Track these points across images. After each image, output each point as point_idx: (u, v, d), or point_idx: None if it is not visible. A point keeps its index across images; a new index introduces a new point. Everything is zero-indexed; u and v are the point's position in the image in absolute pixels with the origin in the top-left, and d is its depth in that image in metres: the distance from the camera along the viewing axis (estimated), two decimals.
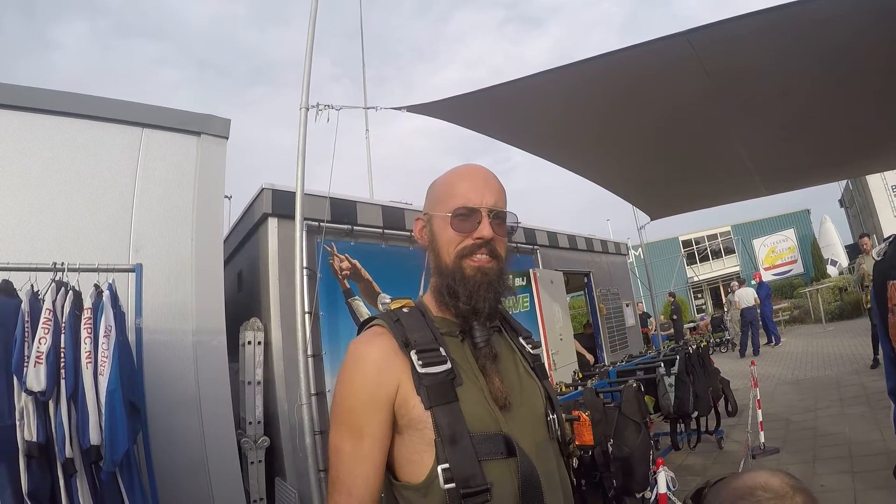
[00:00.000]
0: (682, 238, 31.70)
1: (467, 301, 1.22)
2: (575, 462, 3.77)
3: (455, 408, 1.13)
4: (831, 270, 23.52)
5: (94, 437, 2.60)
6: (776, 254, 27.87)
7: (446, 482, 1.07)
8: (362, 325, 1.32)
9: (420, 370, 1.14)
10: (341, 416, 1.19)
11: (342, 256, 5.08)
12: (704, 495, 1.01)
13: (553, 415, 1.32)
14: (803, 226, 28.62)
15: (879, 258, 2.01)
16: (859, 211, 24.95)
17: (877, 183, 20.42)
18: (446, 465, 1.08)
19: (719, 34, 3.70)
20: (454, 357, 1.20)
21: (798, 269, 26.70)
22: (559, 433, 1.33)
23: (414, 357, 1.15)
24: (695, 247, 31.75)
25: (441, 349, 1.18)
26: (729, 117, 5.04)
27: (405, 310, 1.28)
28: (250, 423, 4.35)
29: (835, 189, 27.14)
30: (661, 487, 3.44)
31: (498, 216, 1.27)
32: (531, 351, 1.42)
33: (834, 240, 24.71)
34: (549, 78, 4.26)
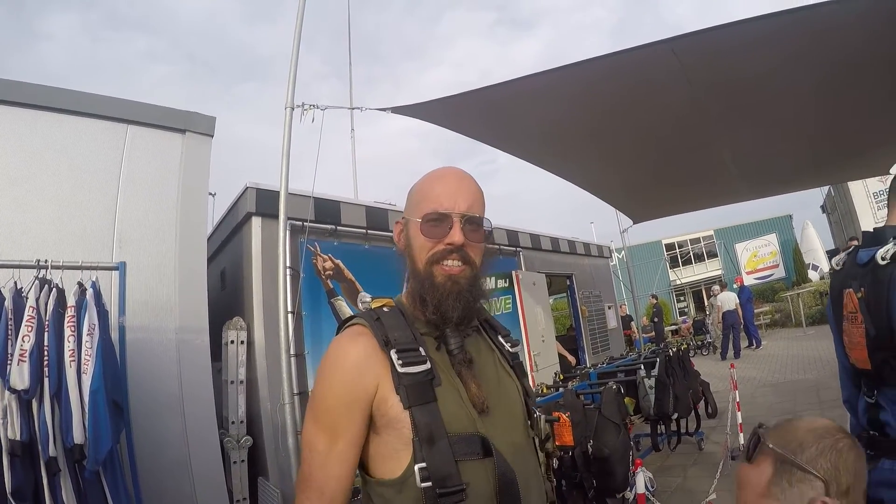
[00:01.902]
0: (665, 241, 31.94)
1: (435, 310, 1.22)
2: (555, 462, 3.82)
3: (433, 408, 1.14)
4: (812, 275, 23.79)
5: (78, 436, 2.60)
6: (758, 258, 28.19)
7: (423, 481, 1.08)
8: (343, 324, 1.32)
9: (400, 370, 1.15)
10: (318, 414, 1.19)
11: (325, 256, 5.10)
12: (762, 434, 1.20)
13: (536, 413, 1.34)
14: (785, 231, 28.95)
15: (838, 268, 2.06)
16: (841, 217, 25.27)
17: (858, 189, 20.72)
18: (423, 465, 1.09)
19: (702, 42, 3.76)
20: (432, 357, 1.20)
21: (780, 273, 27.01)
22: (537, 432, 1.35)
23: (394, 356, 1.16)
24: (678, 250, 31.99)
25: (421, 349, 1.19)
26: (712, 123, 5.10)
27: (385, 309, 1.28)
28: (233, 422, 4.35)
29: (817, 195, 27.48)
30: (640, 488, 3.49)
31: (471, 221, 1.26)
32: (510, 349, 1.43)
33: (815, 245, 24.98)
34: (533, 82, 4.30)
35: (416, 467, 1.09)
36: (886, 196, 2.02)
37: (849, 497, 1.07)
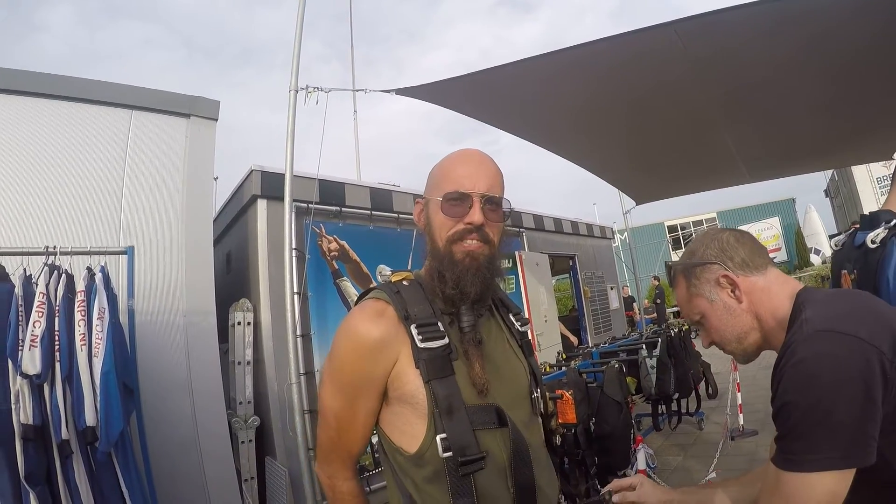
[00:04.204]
0: (667, 223, 31.88)
1: (454, 286, 1.25)
2: (558, 440, 3.88)
3: (452, 381, 1.19)
4: (814, 259, 23.80)
5: (90, 419, 2.64)
6: (761, 241, 28.18)
7: (445, 451, 1.14)
8: (363, 295, 1.35)
9: (420, 344, 1.19)
10: (342, 385, 1.25)
11: (330, 238, 5.11)
12: (669, 263, 1.46)
13: (537, 392, 1.39)
14: (788, 214, 28.89)
15: (837, 248, 2.10)
16: (844, 202, 25.22)
17: (862, 174, 20.64)
18: (444, 435, 1.15)
19: (704, 24, 3.75)
20: (449, 333, 1.24)
21: (782, 256, 26.99)
22: (542, 409, 1.41)
23: (414, 331, 1.20)
24: (680, 232, 31.92)
25: (439, 324, 1.23)
26: (714, 105, 5.09)
27: (405, 283, 1.32)
28: (240, 402, 4.40)
29: (820, 179, 27.41)
30: (641, 464, 3.55)
31: (491, 202, 1.28)
32: (519, 328, 1.47)
33: (818, 229, 24.94)
34: (536, 63, 4.30)
35: (438, 438, 1.15)
36: (890, 180, 2.05)
37: (750, 266, 1.29)
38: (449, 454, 1.14)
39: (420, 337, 1.20)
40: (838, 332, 1.04)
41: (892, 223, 1.80)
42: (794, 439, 1.05)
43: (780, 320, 1.23)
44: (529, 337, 1.53)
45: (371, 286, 1.38)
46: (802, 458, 1.03)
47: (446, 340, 1.22)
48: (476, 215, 1.25)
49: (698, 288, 1.34)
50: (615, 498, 1.50)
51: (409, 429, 1.21)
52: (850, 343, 1.02)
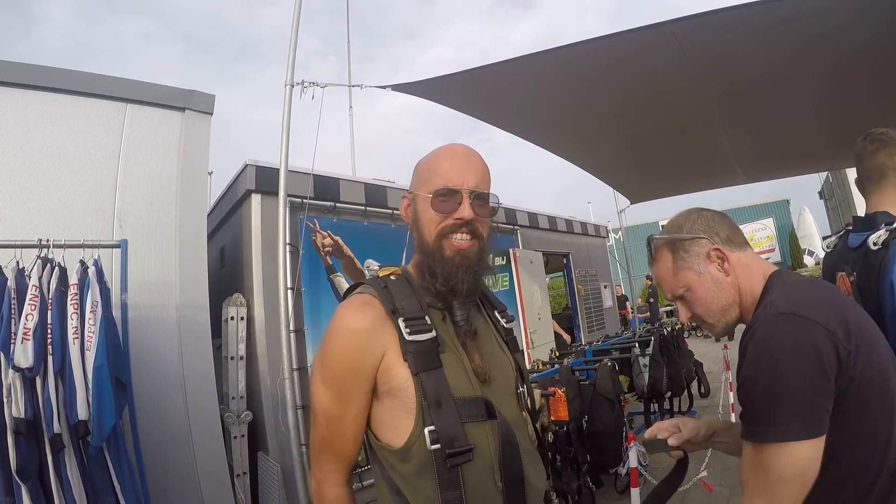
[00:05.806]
0: (662, 223, 31.46)
1: (444, 282, 1.26)
2: (550, 437, 3.89)
3: (440, 373, 1.18)
4: (808, 260, 23.88)
5: (82, 413, 2.63)
6: (754, 242, 28.18)
7: (432, 443, 1.14)
8: (351, 289, 1.35)
9: (407, 337, 1.19)
10: (330, 381, 1.23)
11: (325, 233, 5.11)
12: (651, 238, 1.52)
13: (523, 387, 1.39)
14: (782, 216, 28.97)
15: (829, 250, 2.10)
16: (838, 204, 25.27)
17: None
18: (432, 427, 1.15)
19: (701, 25, 3.75)
20: (437, 328, 1.24)
21: (775, 257, 27.04)
22: (529, 404, 1.42)
23: (402, 324, 1.20)
24: None
25: (427, 318, 1.23)
26: (710, 105, 5.10)
27: (393, 277, 1.32)
28: (233, 398, 4.40)
29: (815, 181, 27.45)
30: (633, 462, 3.55)
31: (479, 197, 1.29)
32: (505, 325, 1.48)
33: (812, 230, 25.01)
34: (533, 61, 4.29)
35: (426, 430, 1.15)
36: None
37: (733, 243, 1.38)
38: (437, 447, 1.14)
39: (408, 330, 1.20)
40: (798, 315, 1.14)
41: (894, 225, 1.79)
42: (756, 412, 1.13)
43: (755, 297, 1.32)
44: (514, 334, 1.54)
45: (358, 282, 1.38)
46: (765, 430, 1.11)
47: (433, 334, 1.22)
48: (466, 211, 1.26)
49: (686, 261, 1.39)
50: (671, 441, 1.57)
51: (397, 423, 1.20)
52: (808, 326, 1.12)
